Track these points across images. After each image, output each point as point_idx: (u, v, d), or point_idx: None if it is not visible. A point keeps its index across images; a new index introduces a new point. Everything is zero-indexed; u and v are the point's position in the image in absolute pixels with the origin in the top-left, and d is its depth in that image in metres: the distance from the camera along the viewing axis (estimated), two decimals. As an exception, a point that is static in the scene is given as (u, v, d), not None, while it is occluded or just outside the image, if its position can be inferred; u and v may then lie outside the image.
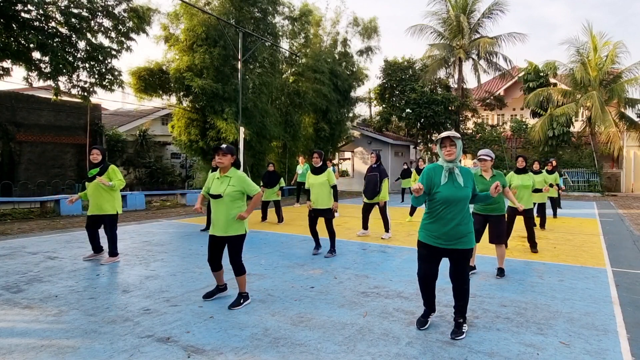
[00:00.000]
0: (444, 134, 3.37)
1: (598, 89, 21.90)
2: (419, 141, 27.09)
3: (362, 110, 43.36)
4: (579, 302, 4.27)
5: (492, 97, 27.96)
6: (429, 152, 25.63)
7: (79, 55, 11.52)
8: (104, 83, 12.20)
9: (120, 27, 12.09)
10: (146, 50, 66.46)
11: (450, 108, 24.47)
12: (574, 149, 23.56)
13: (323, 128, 20.78)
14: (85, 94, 12.15)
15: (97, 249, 6.16)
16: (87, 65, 11.78)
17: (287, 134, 18.61)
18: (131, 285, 4.79)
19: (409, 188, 14.36)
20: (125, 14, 12.12)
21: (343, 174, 25.74)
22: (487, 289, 4.74)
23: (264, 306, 4.10)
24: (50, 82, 11.52)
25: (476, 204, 5.07)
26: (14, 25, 10.32)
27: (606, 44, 22.07)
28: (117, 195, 5.97)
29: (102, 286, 4.80)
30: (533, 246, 6.86)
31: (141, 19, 12.35)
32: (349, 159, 26.57)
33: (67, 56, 11.00)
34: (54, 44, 10.64)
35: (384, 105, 27.38)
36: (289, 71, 20.36)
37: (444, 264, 3.52)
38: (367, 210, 8.28)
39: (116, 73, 12.38)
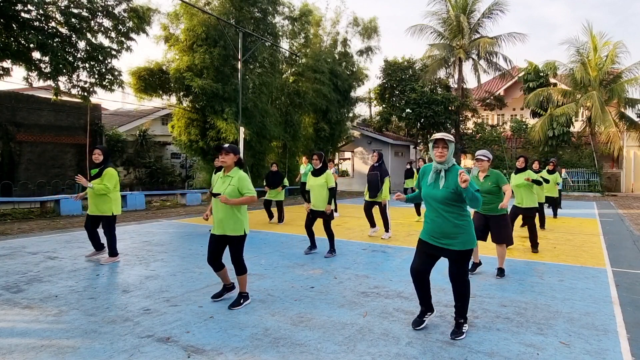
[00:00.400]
0: (438, 135, 3.37)
1: (598, 89, 21.90)
2: (419, 141, 27.09)
3: (362, 110, 43.46)
4: (579, 302, 4.27)
5: (492, 97, 27.96)
6: (428, 152, 25.63)
7: (79, 55, 11.52)
8: (104, 83, 12.20)
9: (120, 27, 12.09)
10: (146, 50, 66.54)
11: (450, 108, 24.47)
12: (574, 149, 23.57)
13: (323, 128, 20.79)
14: (85, 94, 12.15)
15: (98, 246, 6.16)
16: (87, 65, 11.79)
17: (287, 134, 18.62)
18: (131, 285, 4.79)
19: (411, 188, 14.41)
20: (125, 14, 12.12)
21: (343, 174, 25.75)
22: (487, 289, 4.74)
23: (264, 306, 4.10)
24: (50, 82, 11.52)
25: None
26: (14, 25, 10.32)
27: (606, 44, 22.08)
28: (116, 196, 5.94)
29: (102, 286, 4.80)
30: (534, 246, 6.85)
31: (141, 19, 12.36)
32: (349, 159, 26.58)
33: (67, 56, 11.00)
34: (54, 44, 10.64)
35: (384, 105, 27.39)
36: (289, 71, 20.37)
37: (443, 264, 3.52)
38: (368, 209, 8.31)
39: (116, 73, 12.39)
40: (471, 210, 3.64)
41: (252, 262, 5.94)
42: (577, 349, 3.19)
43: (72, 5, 11.06)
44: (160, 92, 15.97)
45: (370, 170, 8.15)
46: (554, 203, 11.43)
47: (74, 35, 11.19)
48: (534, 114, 24.69)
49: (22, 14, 10.39)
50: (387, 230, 8.10)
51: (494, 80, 29.15)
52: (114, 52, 12.05)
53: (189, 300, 4.25)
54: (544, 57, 65.66)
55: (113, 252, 6.00)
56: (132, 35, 12.42)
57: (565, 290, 4.71)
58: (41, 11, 10.39)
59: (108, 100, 67.22)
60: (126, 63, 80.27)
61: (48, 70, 11.01)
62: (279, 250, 6.84)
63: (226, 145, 4.07)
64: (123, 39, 12.26)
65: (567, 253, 6.78)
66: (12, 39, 10.54)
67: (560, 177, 11.87)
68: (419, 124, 25.14)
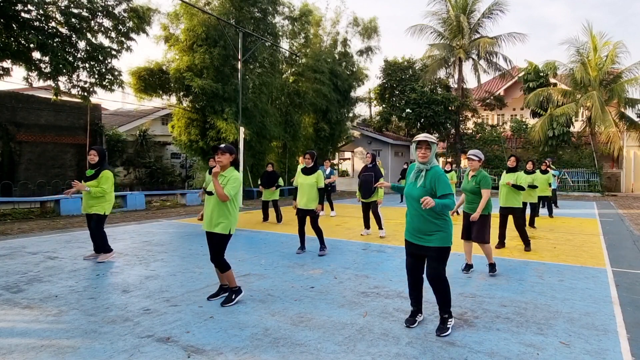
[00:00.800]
0: (421, 136, 3.44)
1: (598, 89, 21.90)
2: (419, 141, 27.07)
3: (362, 110, 43.43)
4: (579, 302, 4.27)
5: (492, 97, 27.97)
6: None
7: (79, 55, 11.53)
8: (104, 83, 12.21)
9: (120, 27, 12.10)
10: (146, 50, 66.54)
11: (450, 108, 24.48)
12: (574, 149, 23.57)
13: (323, 128, 20.79)
14: (85, 94, 12.15)
15: (97, 248, 6.18)
16: (87, 65, 11.79)
17: (287, 134, 18.62)
18: (131, 285, 4.79)
19: None
20: (125, 14, 12.13)
21: (343, 174, 25.75)
22: (487, 289, 4.74)
23: (264, 306, 4.10)
24: (50, 82, 11.53)
25: (465, 203, 5.45)
26: (14, 25, 10.32)
27: (606, 44, 22.08)
28: (110, 197, 6.04)
29: (102, 286, 4.80)
30: (526, 244, 6.90)
31: (141, 19, 12.36)
32: (349, 159, 26.58)
33: (67, 56, 11.00)
34: (54, 44, 10.65)
35: (384, 105, 27.40)
36: (289, 71, 20.37)
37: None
38: (366, 210, 8.34)
39: (116, 73, 12.39)
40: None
41: (252, 262, 5.95)
42: (577, 349, 3.19)
43: (72, 5, 11.06)
44: (160, 92, 15.97)
45: (364, 170, 8.13)
46: (549, 202, 11.44)
47: (74, 35, 11.20)
48: (534, 114, 24.69)
49: (22, 14, 10.40)
50: (380, 227, 8.17)
51: (494, 80, 29.16)
52: (114, 52, 12.06)
53: (189, 300, 4.25)
54: (544, 57, 65.73)
55: (106, 249, 6.09)
56: (132, 35, 12.43)
57: (565, 290, 4.71)
58: (41, 11, 10.39)
59: (108, 100, 67.26)
60: (126, 63, 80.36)
61: (48, 70, 11.02)
62: (279, 250, 6.84)
63: (222, 145, 4.12)
64: (123, 39, 12.26)
65: (567, 253, 6.78)
66: (12, 39, 10.54)
67: (552, 175, 11.79)
68: (419, 124, 25.15)
